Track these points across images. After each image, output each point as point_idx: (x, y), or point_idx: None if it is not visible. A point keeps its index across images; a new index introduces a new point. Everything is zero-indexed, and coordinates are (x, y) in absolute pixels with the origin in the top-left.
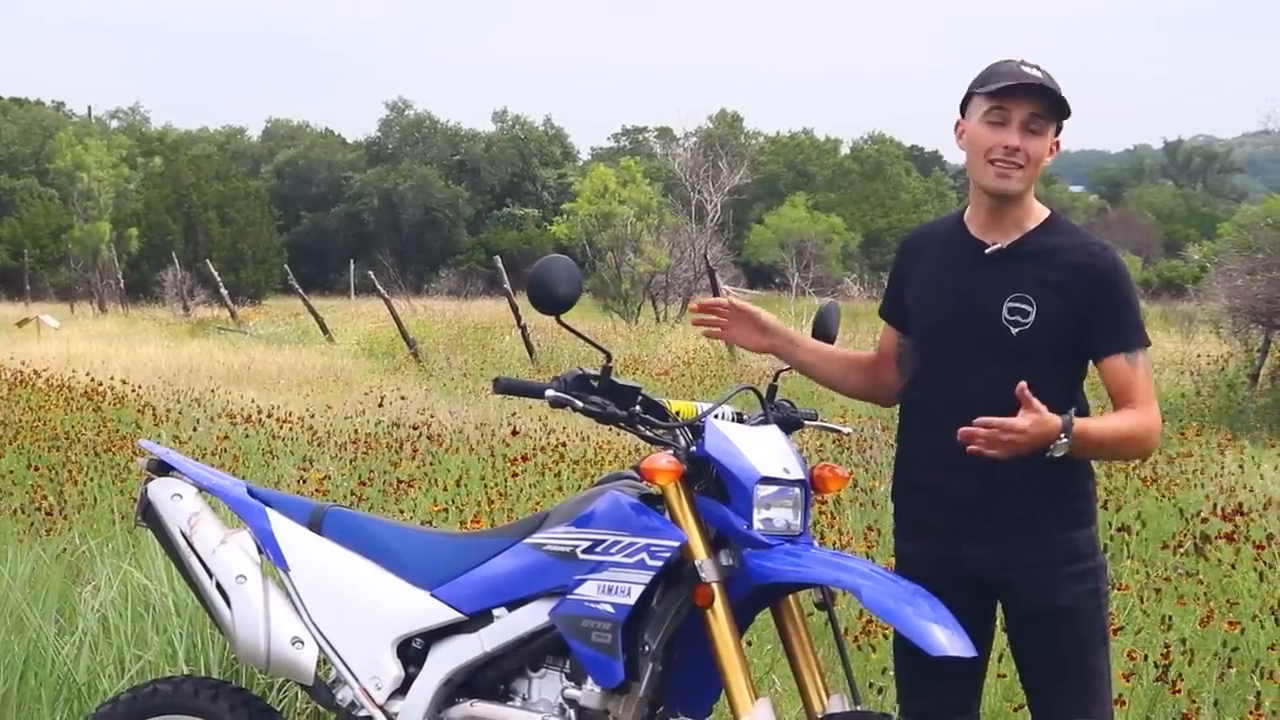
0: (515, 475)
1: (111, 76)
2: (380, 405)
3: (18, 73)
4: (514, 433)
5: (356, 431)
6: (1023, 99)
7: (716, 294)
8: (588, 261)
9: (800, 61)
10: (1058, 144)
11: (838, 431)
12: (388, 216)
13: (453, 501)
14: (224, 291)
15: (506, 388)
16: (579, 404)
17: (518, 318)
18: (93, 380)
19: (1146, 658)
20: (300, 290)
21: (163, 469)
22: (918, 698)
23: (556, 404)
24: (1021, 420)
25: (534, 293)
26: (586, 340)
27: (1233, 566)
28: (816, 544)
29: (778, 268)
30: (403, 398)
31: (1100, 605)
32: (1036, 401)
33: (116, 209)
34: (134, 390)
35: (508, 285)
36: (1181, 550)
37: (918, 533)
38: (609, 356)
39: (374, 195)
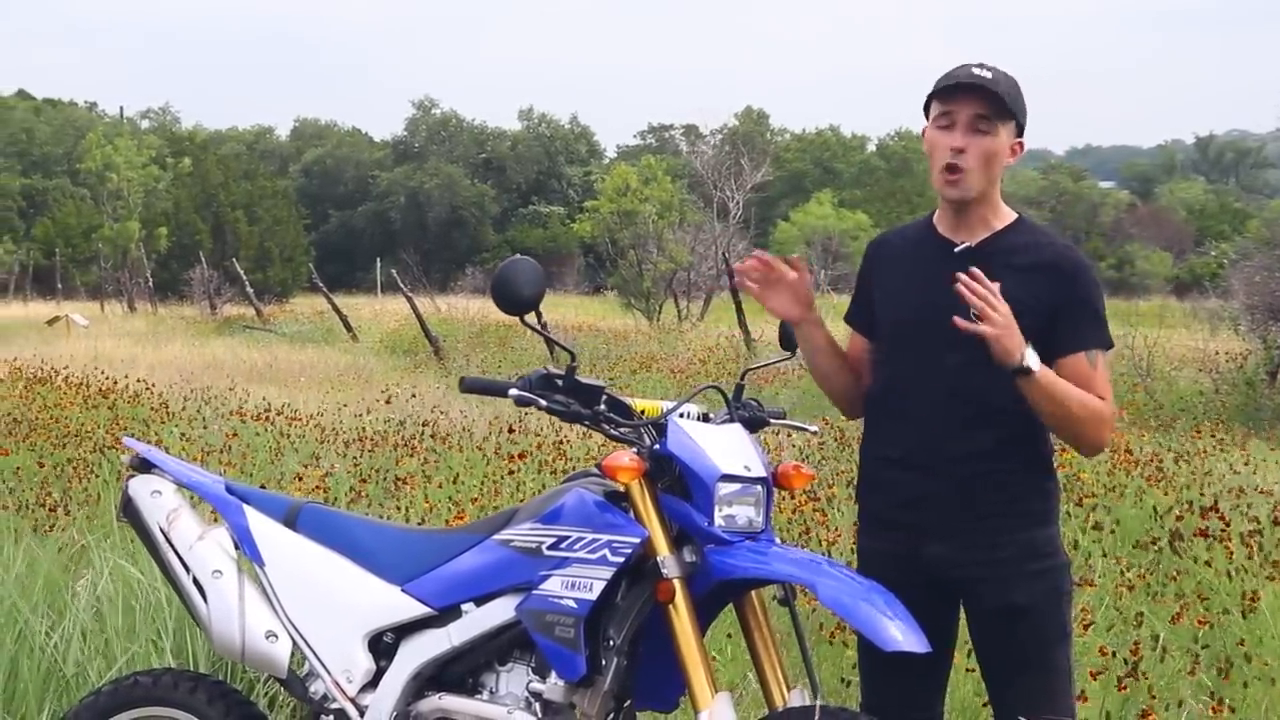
0: (511, 473)
1: (143, 77)
2: (387, 403)
3: (51, 74)
4: (509, 430)
5: (365, 429)
6: (967, 99)
7: (735, 292)
8: (610, 259)
9: (826, 58)
10: (1020, 145)
11: (804, 430)
12: (414, 215)
13: (449, 499)
14: (250, 290)
15: (472, 386)
16: (543, 403)
17: (539, 315)
18: (108, 378)
19: (1115, 654)
20: (325, 288)
21: (145, 466)
22: (879, 694)
23: (521, 403)
24: (1002, 303)
25: (498, 294)
26: (551, 340)
27: (1207, 563)
28: (778, 540)
29: None
30: (414, 395)
31: (1061, 603)
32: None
33: (146, 208)
34: (149, 388)
35: None
36: (1155, 547)
37: (880, 530)
38: (573, 356)
39: (400, 194)
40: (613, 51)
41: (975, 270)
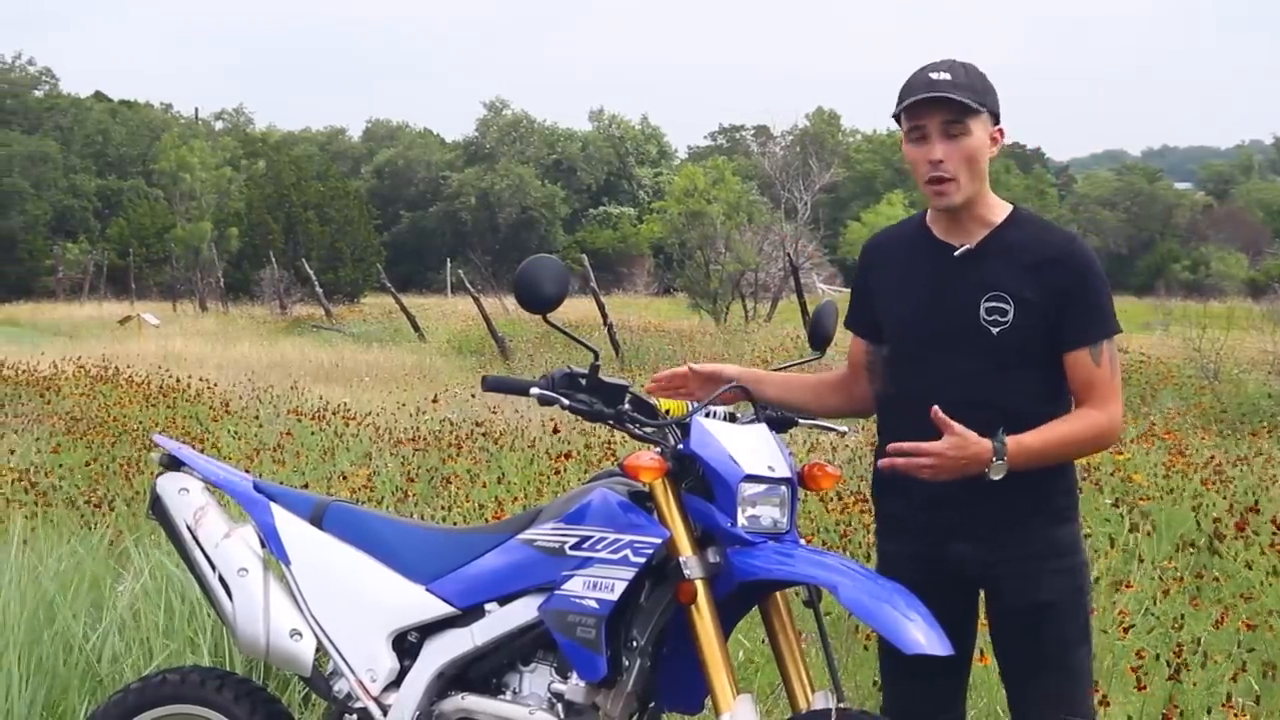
0: (558, 473)
1: (218, 79)
2: (434, 403)
3: (129, 76)
4: (555, 431)
5: (419, 429)
6: (931, 109)
7: (800, 293)
8: (678, 261)
9: (901, 55)
10: (1000, 133)
11: (832, 430)
12: (485, 215)
13: (494, 498)
14: (319, 290)
15: (494, 385)
16: (565, 402)
17: (604, 316)
18: (171, 376)
19: (1159, 657)
20: (393, 289)
21: (174, 464)
22: (901, 695)
23: (543, 401)
24: (937, 445)
25: (521, 292)
26: (574, 339)
27: (1248, 565)
28: (804, 541)
29: None
30: (473, 395)
31: (1081, 603)
32: (956, 425)
33: (218, 209)
34: (210, 387)
35: (594, 284)
36: (1194, 549)
37: (898, 533)
38: (597, 355)
39: (471, 194)
40: (684, 52)
41: (895, 445)
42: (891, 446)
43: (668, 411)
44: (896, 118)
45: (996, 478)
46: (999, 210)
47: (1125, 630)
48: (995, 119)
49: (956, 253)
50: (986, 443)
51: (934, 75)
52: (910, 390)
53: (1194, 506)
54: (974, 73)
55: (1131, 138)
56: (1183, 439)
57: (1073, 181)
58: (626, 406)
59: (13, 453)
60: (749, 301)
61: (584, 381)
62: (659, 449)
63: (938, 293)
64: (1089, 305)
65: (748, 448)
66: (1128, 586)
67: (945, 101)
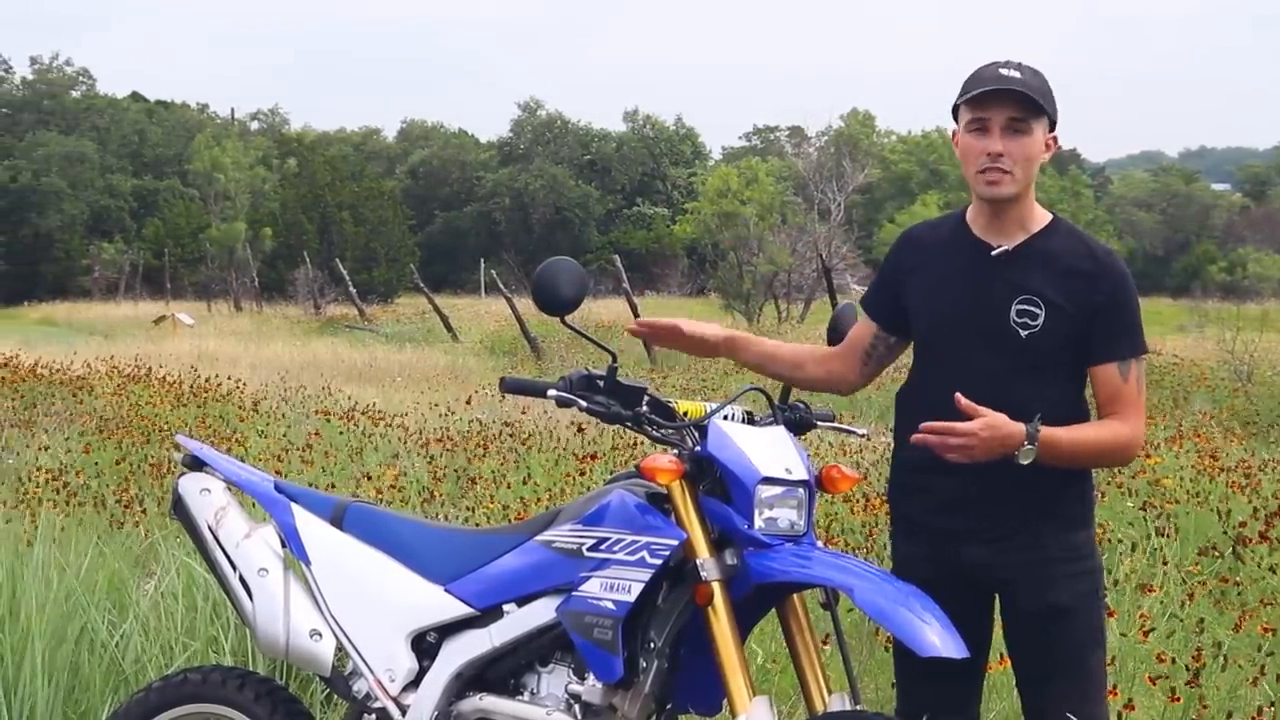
0: (583, 474)
1: (254, 80)
2: (467, 403)
3: (166, 76)
4: (580, 431)
5: (448, 429)
6: (999, 103)
7: (832, 294)
8: (711, 261)
9: (933, 59)
10: (1054, 140)
11: (852, 433)
12: (519, 216)
13: (519, 499)
14: (353, 290)
15: (512, 387)
16: (583, 404)
17: (636, 317)
18: (201, 376)
19: (1175, 660)
20: (426, 290)
21: (196, 464)
22: (914, 698)
23: (561, 403)
24: (970, 425)
25: (539, 294)
26: (592, 341)
27: (1272, 570)
28: (821, 544)
29: None
30: (503, 395)
31: (1097, 607)
32: (983, 409)
33: (253, 209)
34: (239, 387)
35: (626, 285)
36: (1216, 552)
37: (914, 534)
38: (614, 357)
39: (505, 195)
40: (718, 52)
41: (928, 424)
42: (925, 425)
43: (685, 413)
44: (955, 109)
45: (1025, 462)
46: (1040, 217)
47: (1145, 634)
48: (1052, 125)
49: (994, 253)
50: (1019, 426)
51: (1004, 71)
52: (936, 384)
53: (1219, 511)
54: (1040, 77)
55: (1169, 139)
56: (1213, 442)
57: (1109, 182)
58: (644, 408)
59: (45, 449)
60: (782, 302)
61: (602, 383)
62: (676, 451)
63: (972, 291)
64: (1121, 321)
65: (765, 450)
66: (1150, 590)
67: (1014, 96)
